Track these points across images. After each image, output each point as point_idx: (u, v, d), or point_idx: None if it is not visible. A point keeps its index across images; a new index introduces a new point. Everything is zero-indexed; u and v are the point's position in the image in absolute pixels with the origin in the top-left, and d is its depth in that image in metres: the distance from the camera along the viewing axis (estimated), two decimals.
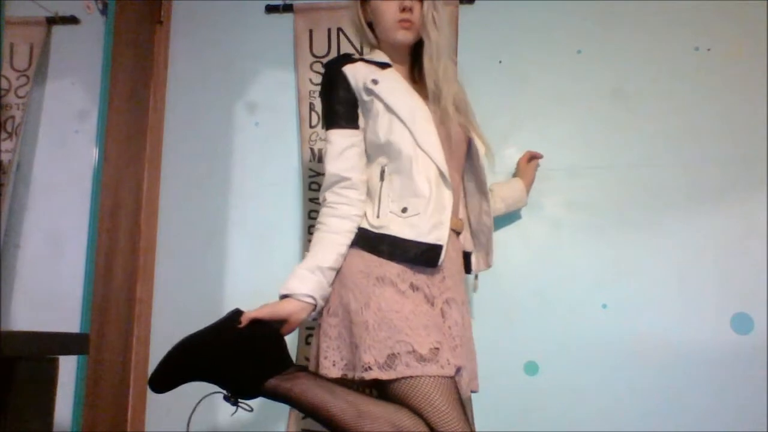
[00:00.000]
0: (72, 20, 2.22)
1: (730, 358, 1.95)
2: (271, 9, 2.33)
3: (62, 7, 2.20)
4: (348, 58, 1.56)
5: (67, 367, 1.89)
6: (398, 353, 1.33)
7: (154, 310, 2.25)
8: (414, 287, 1.43)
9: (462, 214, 1.64)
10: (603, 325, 2.02)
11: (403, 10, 1.50)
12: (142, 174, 2.28)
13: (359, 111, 1.53)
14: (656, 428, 1.94)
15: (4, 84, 2.10)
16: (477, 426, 1.95)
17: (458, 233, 1.58)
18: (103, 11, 2.17)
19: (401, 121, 1.46)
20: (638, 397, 1.97)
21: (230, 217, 2.27)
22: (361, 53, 1.63)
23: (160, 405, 2.18)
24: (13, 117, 2.11)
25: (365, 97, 1.50)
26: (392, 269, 1.42)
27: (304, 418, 2.02)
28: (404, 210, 1.44)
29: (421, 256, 1.42)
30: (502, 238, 2.12)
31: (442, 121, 1.51)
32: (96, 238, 2.03)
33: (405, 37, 1.53)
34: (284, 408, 2.03)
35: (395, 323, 1.36)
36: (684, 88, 2.12)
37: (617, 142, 2.12)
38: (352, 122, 1.51)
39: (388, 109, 1.47)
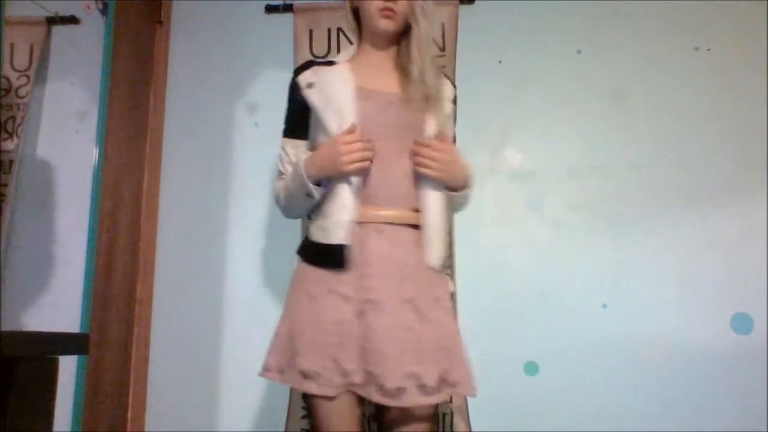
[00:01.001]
0: (72, 20, 2.22)
1: (730, 358, 1.95)
2: (271, 9, 2.33)
3: (62, 7, 2.20)
4: (306, 65, 1.59)
5: (67, 367, 1.89)
6: (290, 363, 1.41)
7: (154, 310, 2.25)
8: (331, 290, 1.42)
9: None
10: (603, 325, 2.02)
11: None
12: (142, 174, 2.28)
13: (309, 120, 1.56)
14: (656, 428, 1.94)
15: (4, 84, 2.10)
16: (477, 426, 1.96)
17: (414, 226, 1.49)
18: (103, 11, 2.17)
19: (326, 124, 1.48)
20: (638, 397, 1.97)
21: (230, 217, 2.27)
22: None
23: (160, 405, 2.19)
24: (13, 117, 2.11)
25: (311, 101, 1.54)
26: (313, 275, 1.45)
27: (303, 417, 2.02)
28: (319, 213, 1.50)
29: (327, 258, 1.43)
30: (501, 238, 2.13)
31: (412, 109, 1.50)
32: (96, 238, 2.03)
33: (386, 26, 1.54)
34: (284, 408, 2.03)
35: (296, 330, 1.42)
36: (684, 88, 2.12)
37: (617, 142, 2.13)
38: (300, 133, 1.57)
39: (318, 112, 1.50)
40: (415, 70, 1.50)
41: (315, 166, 1.46)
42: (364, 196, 1.46)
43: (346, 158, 1.41)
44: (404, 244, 1.46)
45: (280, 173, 1.59)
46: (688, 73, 2.12)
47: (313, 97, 1.51)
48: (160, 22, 2.38)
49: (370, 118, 1.48)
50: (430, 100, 1.51)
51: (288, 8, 2.29)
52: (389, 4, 1.51)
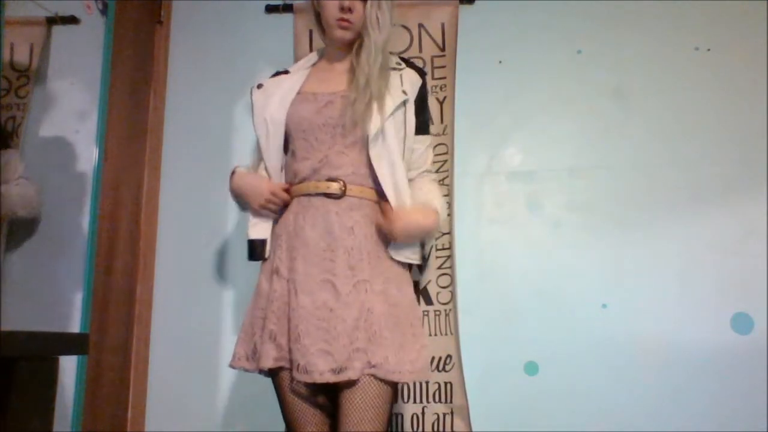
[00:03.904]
0: (72, 20, 2.22)
1: (730, 358, 1.95)
2: (271, 9, 2.33)
3: (62, 7, 2.20)
4: (273, 76, 1.70)
5: (67, 367, 1.89)
6: (255, 349, 1.52)
7: (154, 310, 2.25)
8: (274, 273, 1.54)
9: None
10: (603, 325, 2.02)
11: (342, 9, 1.56)
12: (142, 174, 2.28)
13: None
14: (656, 428, 1.94)
15: (4, 84, 2.10)
16: (477, 426, 1.96)
17: (337, 196, 1.53)
18: (103, 11, 2.17)
19: (256, 132, 1.64)
20: (638, 397, 1.97)
21: (230, 217, 2.27)
22: None
23: (160, 405, 2.19)
24: (13, 117, 2.11)
25: None
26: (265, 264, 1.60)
27: None
28: None
29: (248, 253, 1.61)
30: (501, 238, 2.13)
31: (354, 109, 1.54)
32: (96, 238, 2.03)
33: (342, 35, 1.59)
34: None
35: (253, 315, 1.55)
36: (684, 88, 2.12)
37: (617, 141, 2.13)
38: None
39: (253, 119, 1.65)
40: (361, 79, 1.54)
41: (240, 188, 1.63)
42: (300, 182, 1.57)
43: (263, 204, 1.59)
44: (333, 228, 1.51)
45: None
46: (688, 73, 2.13)
47: (254, 110, 1.65)
48: (160, 22, 2.38)
49: (304, 119, 1.57)
50: (372, 103, 1.54)
51: (288, 8, 2.29)
52: (345, 15, 1.56)
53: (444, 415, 1.97)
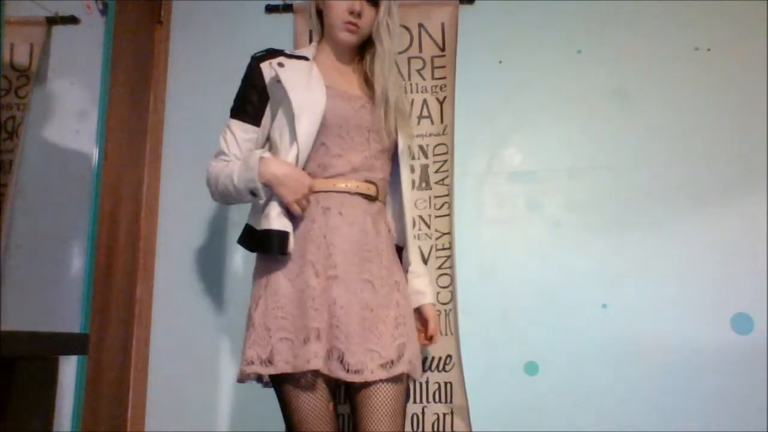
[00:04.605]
0: (72, 20, 2.21)
1: (730, 358, 1.95)
2: (271, 9, 2.33)
3: (62, 7, 2.20)
4: (271, 53, 1.60)
5: (67, 367, 1.89)
6: (272, 351, 1.43)
7: (154, 310, 2.25)
8: (311, 268, 1.46)
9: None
10: (603, 325, 2.02)
11: (351, 12, 1.52)
12: (142, 174, 2.28)
13: (267, 109, 1.56)
14: (656, 428, 1.94)
15: (4, 84, 2.10)
16: (477, 426, 1.96)
17: (373, 198, 1.55)
18: (103, 11, 2.17)
19: (291, 110, 1.48)
20: (638, 397, 1.97)
21: (230, 217, 2.27)
22: None
23: (160, 405, 2.18)
24: (13, 117, 2.11)
25: (275, 90, 1.54)
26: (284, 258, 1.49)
27: None
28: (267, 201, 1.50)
29: (262, 245, 1.50)
30: (501, 238, 2.13)
31: (382, 123, 1.56)
32: (96, 238, 2.03)
33: (348, 39, 1.56)
34: None
35: (264, 315, 1.47)
36: (684, 88, 2.12)
37: (617, 142, 2.13)
38: (254, 119, 1.56)
39: (285, 95, 1.49)
40: (378, 90, 1.54)
41: (277, 175, 1.46)
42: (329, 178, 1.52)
43: (299, 199, 1.46)
44: (363, 222, 1.51)
45: (221, 153, 1.59)
46: (688, 73, 2.13)
47: (283, 78, 1.50)
48: (160, 22, 2.38)
49: (344, 117, 1.52)
50: (396, 117, 1.56)
51: (288, 8, 2.29)
52: (354, 19, 1.52)
53: (444, 415, 1.97)
